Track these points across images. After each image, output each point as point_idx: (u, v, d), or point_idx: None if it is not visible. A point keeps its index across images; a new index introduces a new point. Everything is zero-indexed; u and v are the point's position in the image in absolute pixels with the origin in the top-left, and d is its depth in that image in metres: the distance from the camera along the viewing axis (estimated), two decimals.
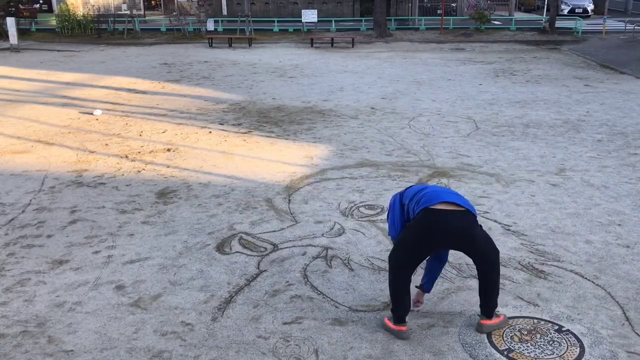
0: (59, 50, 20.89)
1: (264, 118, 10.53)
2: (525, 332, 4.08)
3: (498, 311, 4.17)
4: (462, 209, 3.84)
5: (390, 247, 5.36)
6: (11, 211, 6.39)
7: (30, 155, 8.42)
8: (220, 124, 10.14)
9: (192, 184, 7.13)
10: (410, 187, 4.22)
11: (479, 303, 4.10)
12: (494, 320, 4.08)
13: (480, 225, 3.97)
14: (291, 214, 6.18)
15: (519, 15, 32.29)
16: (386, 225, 5.78)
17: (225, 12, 30.87)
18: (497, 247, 4.07)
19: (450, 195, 3.94)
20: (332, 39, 22.55)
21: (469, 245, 3.92)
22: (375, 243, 5.45)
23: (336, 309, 4.40)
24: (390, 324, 4.07)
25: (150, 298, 4.59)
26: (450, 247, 4.09)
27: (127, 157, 8.27)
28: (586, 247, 5.37)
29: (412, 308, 4.18)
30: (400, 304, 4.00)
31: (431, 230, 3.83)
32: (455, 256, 5.17)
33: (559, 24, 25.90)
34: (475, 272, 4.88)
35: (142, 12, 32.14)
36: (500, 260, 5.04)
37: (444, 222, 3.80)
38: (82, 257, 5.29)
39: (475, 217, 3.91)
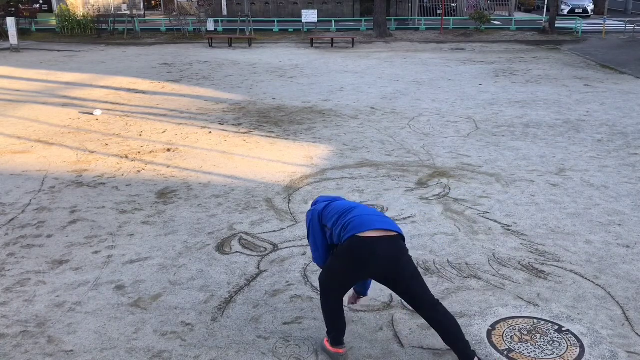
0: (59, 50, 20.90)
1: (264, 118, 10.53)
2: (525, 332, 4.08)
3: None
4: (393, 233, 3.55)
5: None
6: (11, 211, 6.39)
7: (30, 155, 8.42)
8: (220, 124, 10.14)
9: (192, 184, 7.13)
10: (325, 204, 3.86)
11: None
12: None
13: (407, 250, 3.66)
14: (291, 214, 6.18)
15: (519, 16, 32.31)
16: None
17: (225, 12, 30.87)
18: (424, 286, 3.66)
19: (379, 220, 3.58)
20: (332, 39, 22.54)
21: (398, 273, 3.58)
22: None
23: None
24: (328, 346, 3.85)
25: (150, 298, 4.59)
26: (378, 276, 3.68)
27: (127, 157, 8.27)
28: (586, 247, 5.37)
29: (346, 304, 3.98)
30: (334, 326, 3.79)
31: (362, 261, 3.51)
32: (455, 256, 5.17)
33: (559, 24, 25.90)
34: (475, 271, 4.90)
35: (142, 12, 32.16)
36: (501, 260, 5.07)
37: (375, 251, 3.47)
38: (82, 257, 5.28)
39: (404, 240, 3.63)
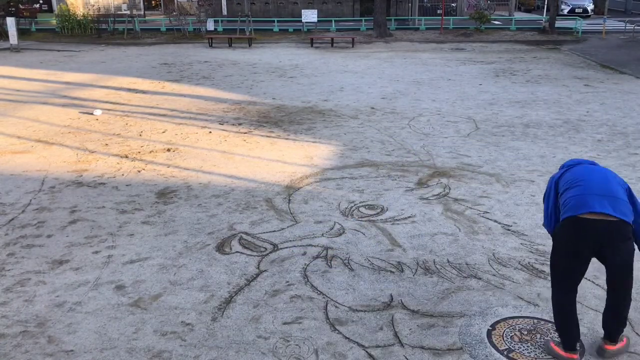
0: (59, 50, 20.89)
1: (264, 118, 10.53)
2: (525, 332, 4.08)
3: (625, 337, 3.85)
4: (612, 218, 3.41)
5: (390, 249, 5.36)
6: (11, 211, 6.39)
7: (30, 155, 8.41)
8: (220, 123, 10.14)
9: (192, 184, 7.13)
10: (563, 171, 3.77)
11: (602, 324, 3.75)
12: (619, 345, 3.75)
13: (631, 240, 3.53)
14: (291, 214, 6.18)
15: (519, 15, 32.30)
16: (386, 225, 5.81)
17: (225, 12, 30.86)
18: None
19: (602, 202, 3.43)
20: (332, 39, 22.54)
21: (611, 255, 3.51)
22: (375, 243, 5.45)
23: (336, 309, 4.40)
24: (557, 349, 3.69)
25: (150, 298, 4.59)
26: (602, 251, 3.55)
27: (127, 157, 8.27)
28: None
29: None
30: (563, 329, 3.62)
31: (573, 243, 3.47)
32: (455, 256, 5.17)
33: (559, 24, 25.90)
34: (475, 271, 4.90)
35: (142, 12, 32.14)
36: (501, 260, 5.07)
37: (591, 230, 3.42)
38: (82, 257, 5.28)
39: (629, 225, 3.48)
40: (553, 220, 3.77)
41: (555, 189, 3.75)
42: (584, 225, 3.43)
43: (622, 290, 3.59)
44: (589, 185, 3.55)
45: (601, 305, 4.39)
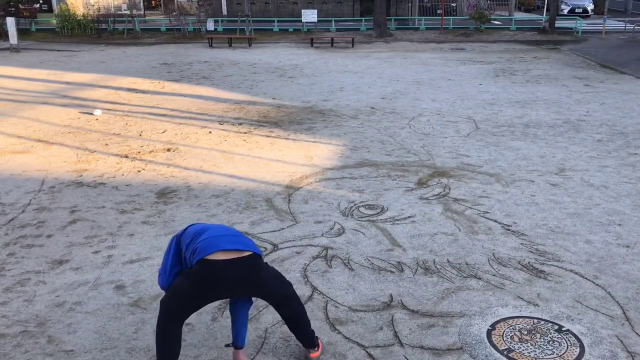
0: (59, 50, 20.90)
1: (264, 118, 10.53)
2: (525, 332, 4.08)
3: (318, 337, 3.92)
4: (244, 254, 3.39)
5: (390, 249, 5.37)
6: (11, 211, 6.39)
7: (30, 155, 8.42)
8: (220, 123, 10.14)
9: (192, 184, 7.13)
10: (189, 227, 3.69)
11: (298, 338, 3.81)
12: (319, 352, 3.84)
13: (266, 264, 3.63)
14: (291, 214, 6.18)
15: (518, 15, 32.32)
16: (386, 225, 5.81)
17: (225, 12, 30.87)
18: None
19: (228, 240, 3.44)
20: (332, 39, 22.55)
21: (258, 290, 3.55)
22: (375, 243, 5.45)
23: (336, 309, 4.40)
24: None
25: (150, 298, 4.59)
26: (236, 295, 3.62)
27: (127, 157, 8.27)
28: (586, 247, 5.37)
29: None
30: (166, 355, 3.46)
31: (210, 284, 3.35)
32: (455, 256, 5.17)
33: (559, 24, 25.91)
34: (476, 271, 4.91)
35: (142, 12, 32.15)
36: (501, 260, 5.07)
37: (224, 274, 3.33)
38: (82, 257, 5.29)
39: (260, 257, 3.51)
40: (173, 273, 3.59)
41: (177, 246, 3.63)
42: (215, 268, 3.33)
43: (295, 316, 3.70)
44: (216, 231, 3.53)
45: (601, 305, 4.40)
